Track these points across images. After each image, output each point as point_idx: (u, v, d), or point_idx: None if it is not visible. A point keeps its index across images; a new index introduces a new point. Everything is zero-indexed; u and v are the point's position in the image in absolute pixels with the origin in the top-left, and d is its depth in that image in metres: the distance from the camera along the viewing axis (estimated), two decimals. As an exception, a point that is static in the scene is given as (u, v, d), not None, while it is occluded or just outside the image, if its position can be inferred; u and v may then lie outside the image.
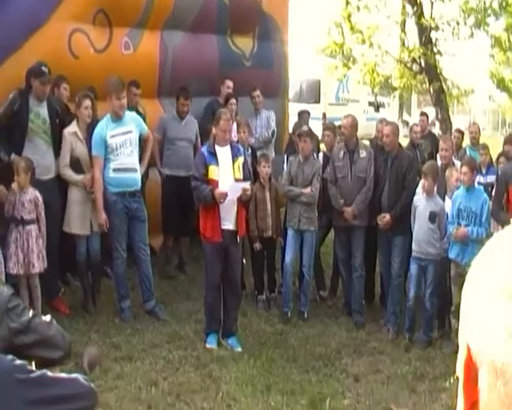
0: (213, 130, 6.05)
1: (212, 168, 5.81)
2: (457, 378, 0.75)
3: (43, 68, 6.14)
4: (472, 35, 15.33)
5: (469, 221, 6.05)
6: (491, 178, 7.46)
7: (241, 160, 5.96)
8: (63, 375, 1.90)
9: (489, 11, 14.81)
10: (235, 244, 5.92)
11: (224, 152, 5.88)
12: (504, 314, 0.66)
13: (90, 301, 6.54)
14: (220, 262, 5.84)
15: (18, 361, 1.78)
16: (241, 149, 6.16)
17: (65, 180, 6.46)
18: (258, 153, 7.55)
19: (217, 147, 5.88)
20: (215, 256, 5.85)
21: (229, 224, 5.83)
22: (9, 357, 1.78)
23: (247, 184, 5.89)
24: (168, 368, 5.41)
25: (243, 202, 5.98)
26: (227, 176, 5.85)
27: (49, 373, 1.83)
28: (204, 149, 5.96)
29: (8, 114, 6.12)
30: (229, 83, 8.40)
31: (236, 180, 5.87)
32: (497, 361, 0.66)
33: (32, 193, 5.95)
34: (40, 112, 6.30)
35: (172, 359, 5.57)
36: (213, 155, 5.83)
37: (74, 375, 1.92)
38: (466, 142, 9.28)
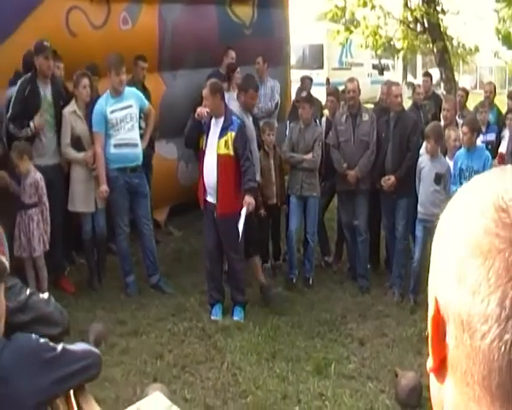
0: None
1: (203, 138, 5.83)
2: (427, 335, 0.73)
3: (45, 43, 6.12)
4: (476, -10, 15.05)
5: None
6: (492, 136, 7.39)
7: (231, 135, 5.65)
8: (79, 347, 2.02)
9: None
10: (218, 220, 5.76)
11: (215, 125, 5.76)
12: (471, 270, 0.65)
13: (96, 279, 6.58)
14: (213, 230, 5.84)
15: (41, 339, 1.87)
16: (236, 124, 5.74)
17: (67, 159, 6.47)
18: (261, 122, 7.50)
19: (213, 118, 5.80)
20: (207, 223, 5.88)
21: (210, 198, 5.79)
22: (34, 336, 1.86)
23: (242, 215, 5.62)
24: (173, 340, 5.45)
25: (236, 181, 5.72)
26: (210, 150, 5.73)
27: (68, 347, 1.91)
28: (207, 119, 5.93)
29: (21, 99, 6.09)
30: (232, 53, 8.33)
31: (220, 156, 5.64)
32: (463, 314, 0.65)
33: (33, 177, 5.96)
34: (47, 95, 6.28)
35: (177, 331, 5.61)
36: (207, 126, 5.80)
37: (86, 345, 2.09)
38: (472, 101, 9.16)
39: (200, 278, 6.46)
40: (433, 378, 0.73)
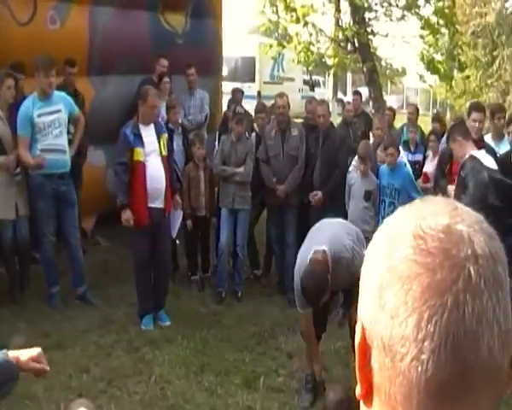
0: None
1: (137, 150, 5.71)
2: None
3: None
4: (403, 17, 15.57)
5: (392, 198, 6.21)
6: (419, 157, 7.64)
7: (165, 136, 5.96)
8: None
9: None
10: (164, 220, 5.93)
11: (148, 131, 5.81)
12: (390, 294, 0.68)
13: (18, 290, 6.31)
14: (148, 241, 5.79)
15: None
16: (164, 126, 6.21)
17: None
18: (191, 134, 7.46)
19: (141, 126, 5.78)
20: (142, 236, 5.79)
21: (157, 202, 5.80)
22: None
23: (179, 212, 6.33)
24: (100, 354, 5.30)
25: (171, 181, 5.99)
26: (154, 155, 5.80)
27: None
28: (128, 131, 5.75)
29: None
30: (164, 61, 8.23)
31: (163, 158, 5.86)
32: (384, 338, 0.68)
33: None
34: None
35: (104, 344, 5.47)
36: (138, 136, 5.73)
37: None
38: (398, 120, 9.46)
39: (128, 290, 6.32)
40: (362, 405, 0.75)
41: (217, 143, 7.28)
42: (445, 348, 0.65)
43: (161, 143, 5.85)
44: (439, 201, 0.75)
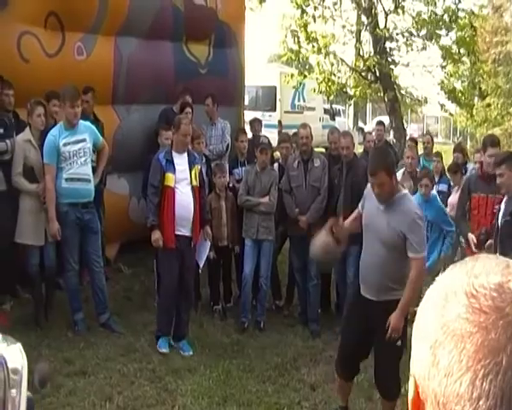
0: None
1: (168, 176, 5.82)
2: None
3: None
4: (425, 46, 15.61)
5: (426, 230, 6.15)
6: (443, 187, 7.57)
7: (197, 168, 6.03)
8: None
9: (440, 23, 15.10)
10: (190, 250, 5.97)
11: (181, 159, 5.91)
12: (444, 353, 0.69)
13: (42, 315, 6.37)
14: (176, 267, 5.85)
15: None
16: (198, 157, 6.27)
17: (17, 189, 6.28)
18: (213, 163, 7.53)
19: (174, 154, 5.90)
20: (171, 261, 5.86)
21: (184, 230, 5.86)
22: None
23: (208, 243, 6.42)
24: (123, 382, 5.30)
25: (200, 210, 6.02)
26: (184, 183, 5.89)
27: None
28: (161, 156, 5.92)
29: None
30: (188, 98, 8.24)
31: (194, 188, 5.92)
32: (439, 395, 0.69)
33: None
34: None
35: (127, 372, 5.47)
36: (170, 162, 5.84)
37: None
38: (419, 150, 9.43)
39: (151, 318, 6.34)
40: None
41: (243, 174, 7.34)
42: (501, 406, 0.65)
43: (193, 173, 5.93)
44: (490, 259, 0.76)
